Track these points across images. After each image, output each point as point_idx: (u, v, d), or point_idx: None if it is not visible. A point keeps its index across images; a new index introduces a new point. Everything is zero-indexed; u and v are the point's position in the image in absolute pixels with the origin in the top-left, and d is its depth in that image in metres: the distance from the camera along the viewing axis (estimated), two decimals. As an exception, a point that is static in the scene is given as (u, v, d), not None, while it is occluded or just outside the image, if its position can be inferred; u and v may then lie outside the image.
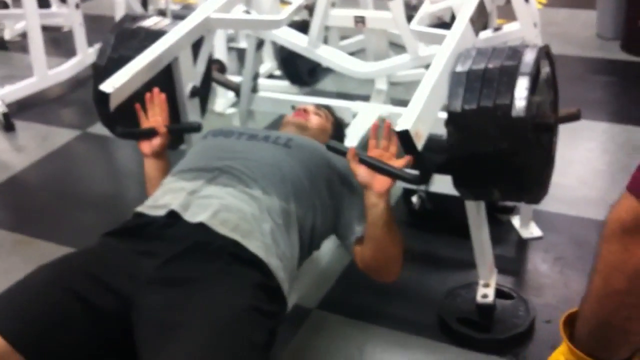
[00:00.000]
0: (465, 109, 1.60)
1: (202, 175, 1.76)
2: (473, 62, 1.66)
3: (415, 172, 1.68)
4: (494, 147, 1.59)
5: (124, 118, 1.99)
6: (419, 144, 1.58)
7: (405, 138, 1.55)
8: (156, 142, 1.98)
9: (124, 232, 1.67)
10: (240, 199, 1.68)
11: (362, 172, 1.69)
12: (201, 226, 1.61)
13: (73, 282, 1.49)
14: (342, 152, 1.76)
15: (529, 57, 1.63)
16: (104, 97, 1.85)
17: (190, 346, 1.36)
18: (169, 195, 1.73)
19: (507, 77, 1.60)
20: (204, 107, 2.32)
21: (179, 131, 2.14)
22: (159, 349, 1.37)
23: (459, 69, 1.67)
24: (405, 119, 1.57)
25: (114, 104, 1.88)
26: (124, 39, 2.14)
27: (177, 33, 2.09)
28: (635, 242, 1.16)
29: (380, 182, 1.68)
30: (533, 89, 1.60)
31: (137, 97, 1.98)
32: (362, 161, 1.70)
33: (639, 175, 1.16)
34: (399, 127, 1.55)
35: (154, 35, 2.10)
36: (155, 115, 2.00)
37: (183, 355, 1.34)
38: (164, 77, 2.09)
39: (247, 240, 1.60)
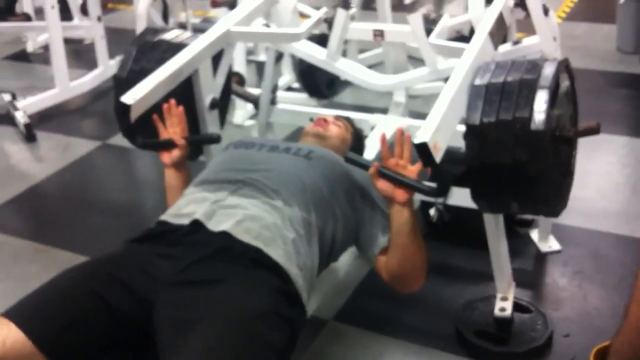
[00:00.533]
0: (484, 121, 1.61)
1: (225, 186, 1.78)
2: (492, 75, 1.67)
3: (433, 184, 1.68)
4: (512, 159, 1.59)
5: (144, 129, 2.01)
6: (437, 156, 1.58)
7: (423, 150, 1.56)
8: (175, 153, 2.01)
9: (147, 239, 1.70)
10: (263, 210, 1.71)
11: (382, 186, 1.71)
12: (224, 234, 1.63)
13: (96, 284, 1.53)
14: (361, 165, 1.78)
15: (549, 70, 1.63)
16: (124, 109, 1.88)
17: (208, 342, 1.39)
18: (192, 205, 1.76)
19: (526, 90, 1.60)
20: (223, 118, 2.34)
21: (197, 142, 2.16)
22: (178, 346, 1.41)
23: (478, 82, 1.67)
24: (423, 131, 1.57)
25: (134, 115, 1.90)
26: (145, 51, 2.18)
27: (197, 46, 2.11)
28: None
29: (401, 192, 1.70)
30: (552, 103, 1.60)
31: (157, 108, 2.01)
32: (383, 175, 1.71)
33: None
34: (417, 140, 1.55)
35: (175, 47, 2.13)
36: (173, 126, 2.03)
37: (201, 350, 1.37)
38: (184, 89, 2.11)
39: (269, 248, 1.63)
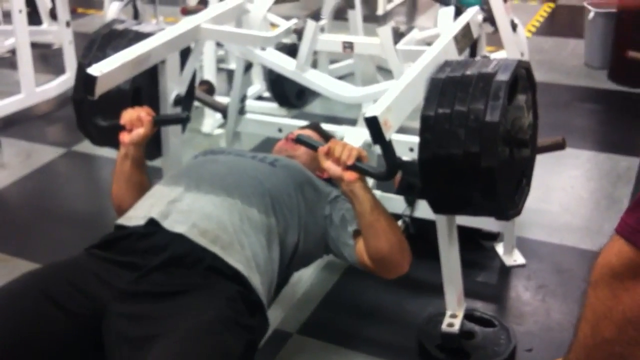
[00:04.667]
0: (439, 112, 1.60)
1: (184, 183, 1.78)
2: (452, 70, 1.68)
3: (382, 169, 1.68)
4: (464, 151, 1.57)
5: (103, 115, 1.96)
6: (387, 134, 1.56)
7: (373, 124, 1.53)
8: (137, 132, 1.86)
9: (104, 245, 1.68)
10: (221, 208, 1.69)
11: (331, 166, 1.69)
12: (180, 237, 1.62)
13: (49, 287, 1.51)
14: (311, 145, 1.78)
15: (507, 66, 1.64)
16: (90, 81, 1.77)
17: (162, 357, 1.37)
18: (149, 202, 1.75)
19: (483, 82, 1.60)
20: (184, 125, 2.31)
21: (165, 122, 2.08)
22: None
23: (437, 75, 1.67)
24: (375, 107, 1.55)
25: (100, 90, 1.80)
26: (111, 39, 2.11)
27: (167, 35, 2.07)
28: (624, 288, 1.11)
29: (350, 172, 1.68)
30: (509, 98, 1.60)
31: (119, 97, 1.95)
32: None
33: (628, 219, 1.11)
34: (368, 114, 1.53)
35: (143, 37, 2.06)
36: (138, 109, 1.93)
37: None
38: (150, 84, 2.08)
39: (227, 254, 1.61)
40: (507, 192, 1.69)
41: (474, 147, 1.56)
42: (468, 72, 1.64)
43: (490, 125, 1.55)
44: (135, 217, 1.72)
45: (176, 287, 1.54)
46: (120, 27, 2.17)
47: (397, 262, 1.77)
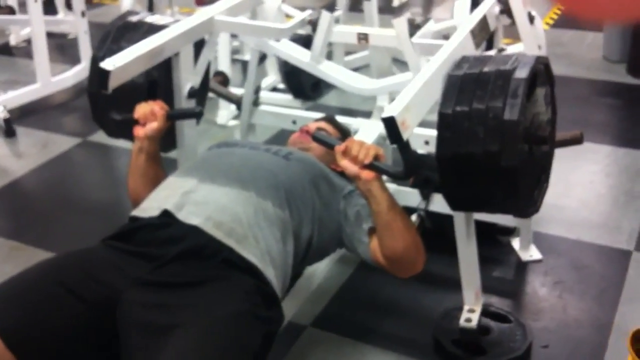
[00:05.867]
0: (457, 110, 1.58)
1: (199, 175, 1.77)
2: (469, 67, 1.65)
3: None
4: (483, 149, 1.55)
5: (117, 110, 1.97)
6: (405, 134, 1.55)
7: (390, 125, 1.52)
8: (151, 126, 1.86)
9: (119, 236, 1.68)
10: (236, 201, 1.69)
11: (348, 164, 1.67)
12: (195, 229, 1.61)
13: (65, 276, 1.52)
14: (328, 144, 1.75)
15: (525, 63, 1.62)
16: (104, 75, 1.78)
17: (184, 348, 1.37)
18: (163, 193, 1.74)
19: (501, 80, 1.58)
20: (198, 118, 2.29)
21: (178, 117, 2.07)
22: (153, 351, 1.39)
23: (455, 72, 1.65)
24: (392, 107, 1.54)
25: (113, 84, 1.80)
26: (125, 32, 2.11)
27: (180, 27, 2.06)
28: None
29: (368, 171, 1.66)
30: (528, 95, 1.58)
31: (133, 90, 1.94)
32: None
33: None
34: (385, 114, 1.52)
35: (157, 29, 2.05)
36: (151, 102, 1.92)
37: (177, 356, 1.36)
38: (164, 76, 2.07)
39: (242, 247, 1.61)
40: (526, 190, 1.67)
41: (493, 145, 1.54)
42: (486, 69, 1.62)
43: (509, 124, 1.53)
44: (149, 208, 1.72)
45: (193, 278, 1.54)
46: (134, 19, 2.17)
47: (411, 262, 1.77)
